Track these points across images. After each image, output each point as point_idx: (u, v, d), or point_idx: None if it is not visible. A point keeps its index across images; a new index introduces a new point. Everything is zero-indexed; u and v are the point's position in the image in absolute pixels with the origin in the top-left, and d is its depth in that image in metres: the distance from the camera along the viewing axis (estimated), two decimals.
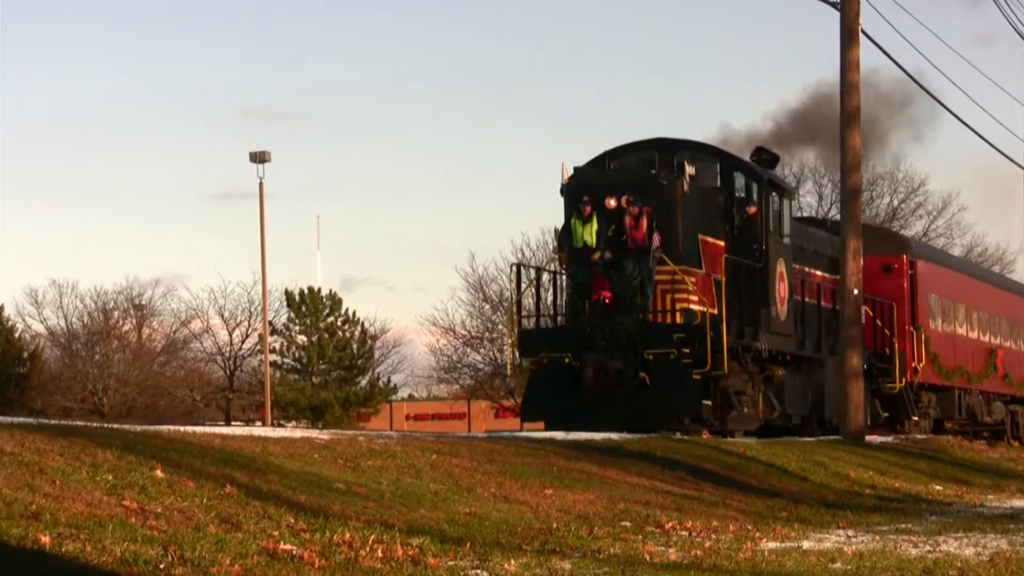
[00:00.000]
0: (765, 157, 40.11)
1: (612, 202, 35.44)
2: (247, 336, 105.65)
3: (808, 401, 43.66)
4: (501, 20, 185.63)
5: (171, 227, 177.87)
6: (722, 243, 38.18)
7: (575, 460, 27.78)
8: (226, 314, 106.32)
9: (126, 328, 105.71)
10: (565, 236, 36.46)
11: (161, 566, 13.81)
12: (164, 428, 22.31)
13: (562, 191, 36.82)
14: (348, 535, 16.63)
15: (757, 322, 38.40)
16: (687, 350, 34.94)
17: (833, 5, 44.19)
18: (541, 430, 35.52)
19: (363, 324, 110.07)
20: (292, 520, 17.26)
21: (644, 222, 35.10)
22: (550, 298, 39.87)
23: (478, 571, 15.52)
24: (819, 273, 46.09)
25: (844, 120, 44.44)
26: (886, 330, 48.95)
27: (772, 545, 20.64)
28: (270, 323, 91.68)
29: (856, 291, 44.84)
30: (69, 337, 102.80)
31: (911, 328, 50.77)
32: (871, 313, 47.99)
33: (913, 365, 50.64)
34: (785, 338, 40.67)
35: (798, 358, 42.52)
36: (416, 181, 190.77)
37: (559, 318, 38.34)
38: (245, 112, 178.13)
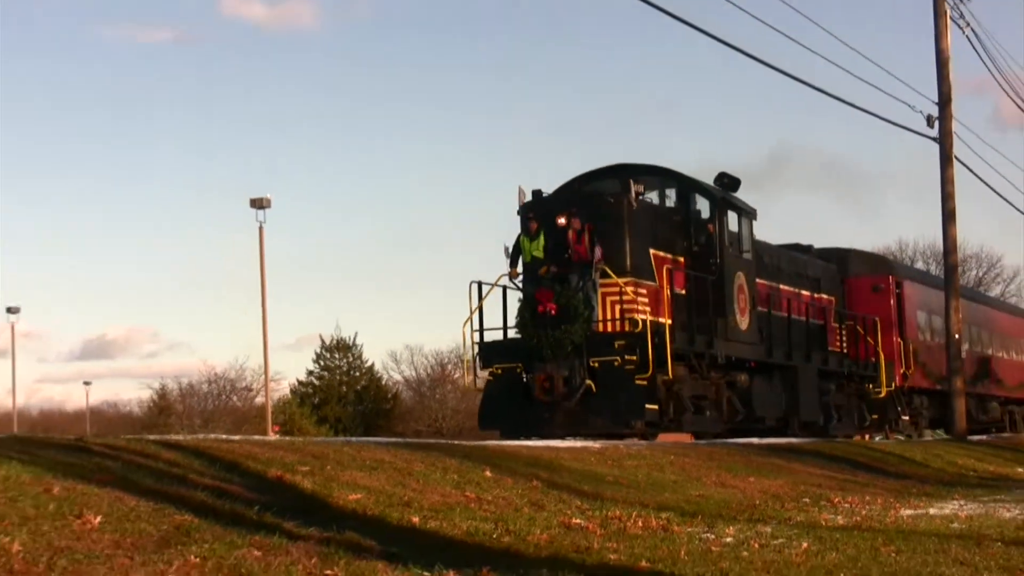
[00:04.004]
0: (726, 181, 33.34)
1: (562, 220, 29.00)
2: None
3: (782, 404, 35.89)
4: None
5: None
6: (680, 258, 31.40)
7: (768, 457, 27.53)
8: None
9: (457, 375, 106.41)
10: (515, 253, 30.11)
11: (494, 535, 13.84)
12: (488, 443, 22.41)
13: (518, 212, 30.52)
14: (618, 512, 16.58)
15: (712, 330, 31.17)
16: (632, 357, 28.34)
17: (933, 139, 43.79)
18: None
19: None
20: (579, 503, 17.27)
21: (586, 237, 28.98)
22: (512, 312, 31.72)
23: (708, 534, 15.39)
24: (804, 292, 38.24)
25: (945, 219, 43.93)
26: (870, 340, 41.76)
27: (908, 512, 20.37)
28: None
29: (957, 335, 43.74)
30: (418, 383, 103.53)
31: (898, 340, 44.01)
32: (860, 329, 41.88)
33: (902, 371, 44.25)
34: (746, 346, 33.16)
35: (767, 365, 34.85)
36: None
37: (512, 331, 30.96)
38: None
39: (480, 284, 30.34)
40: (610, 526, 15.44)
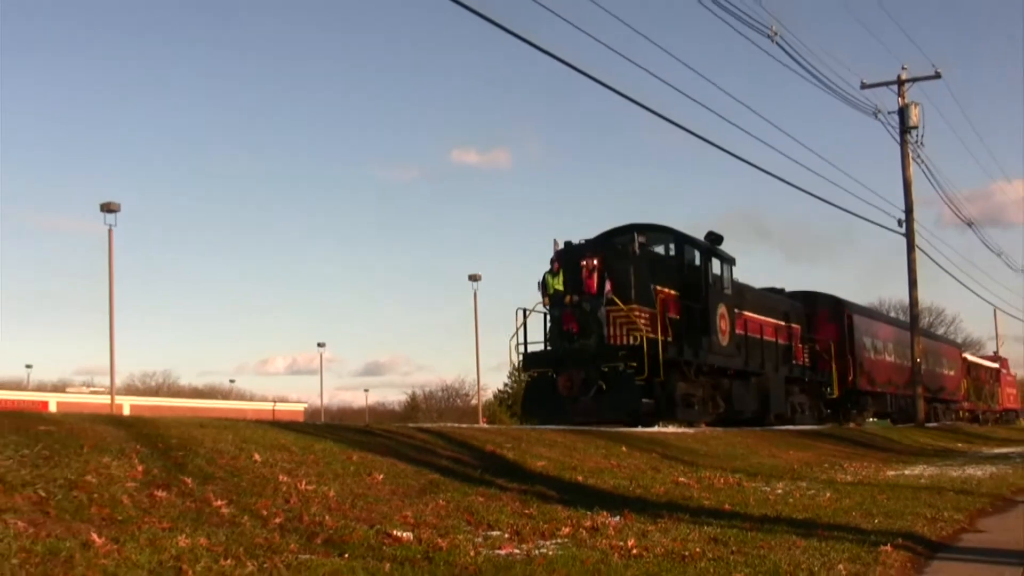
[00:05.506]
0: (713, 237, 29.69)
1: (583, 263, 25.98)
2: None
3: (756, 402, 31.63)
4: None
5: None
6: (675, 292, 27.70)
7: (799, 438, 26.92)
8: None
9: None
10: (543, 287, 26.75)
11: (629, 488, 13.62)
12: (622, 429, 22.06)
13: (551, 259, 27.01)
14: (707, 473, 16.26)
15: (698, 346, 27.69)
16: (633, 363, 25.33)
17: (902, 234, 42.99)
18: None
19: None
20: (682, 467, 16.93)
21: (596, 274, 25.97)
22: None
23: (766, 487, 15.04)
24: (776, 321, 33.87)
25: (910, 285, 43.00)
26: (826, 356, 37.85)
27: (892, 473, 19.83)
28: None
29: (919, 360, 42.89)
30: None
31: (849, 356, 39.73)
32: (819, 348, 38.01)
33: (851, 379, 39.89)
34: (727, 357, 29.34)
35: (744, 373, 30.72)
36: None
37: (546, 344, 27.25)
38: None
39: (524, 310, 27.30)
40: (703, 482, 15.17)
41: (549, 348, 26.80)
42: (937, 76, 44.43)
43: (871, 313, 47.57)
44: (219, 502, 8.76)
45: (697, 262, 28.65)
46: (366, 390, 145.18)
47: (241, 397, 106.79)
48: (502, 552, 8.36)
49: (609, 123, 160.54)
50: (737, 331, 30.10)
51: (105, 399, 62.03)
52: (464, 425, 19.86)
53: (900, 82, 43.77)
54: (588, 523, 10.10)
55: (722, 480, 15.58)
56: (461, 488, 11.44)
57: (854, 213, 40.13)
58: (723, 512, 11.79)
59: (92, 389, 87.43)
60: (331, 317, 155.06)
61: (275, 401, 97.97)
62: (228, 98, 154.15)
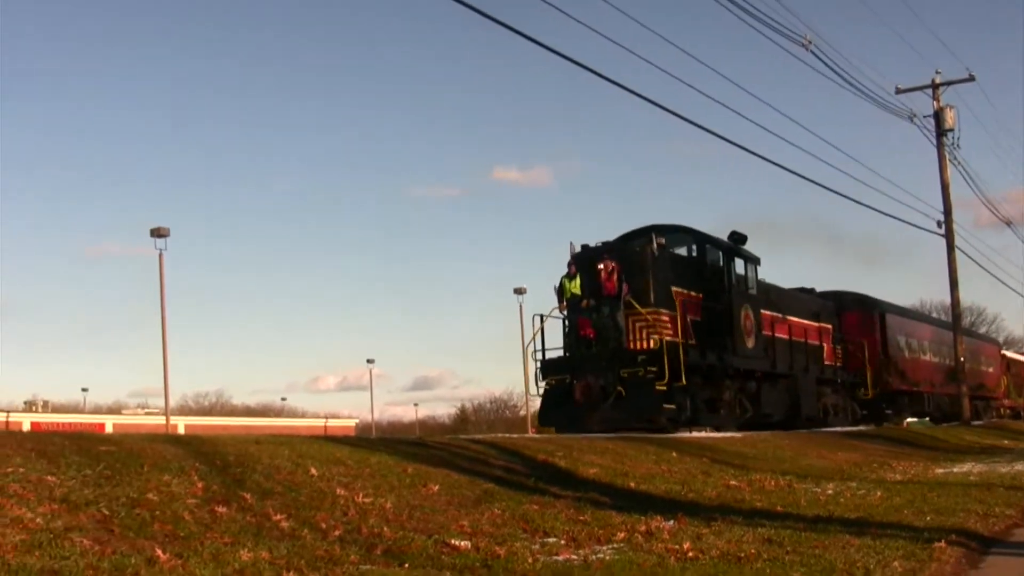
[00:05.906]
0: (736, 236, 27.91)
1: (600, 265, 24.47)
2: None
3: (786, 404, 29.88)
4: None
5: None
6: (697, 294, 26.04)
7: (845, 440, 26.65)
8: None
9: None
10: (560, 291, 25.31)
11: (682, 493, 13.53)
12: (671, 435, 21.88)
13: (568, 263, 25.37)
14: (757, 476, 16.11)
15: (722, 348, 26.20)
16: (652, 368, 23.59)
17: (941, 235, 42.64)
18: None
19: None
20: (732, 471, 16.76)
21: (615, 276, 24.32)
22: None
23: (816, 488, 14.90)
24: (805, 321, 32.12)
25: (951, 285, 42.63)
26: (859, 356, 36.07)
27: (940, 471, 19.64)
28: None
29: (962, 359, 42.34)
30: None
31: (882, 356, 37.94)
32: (851, 348, 36.13)
33: (885, 379, 38.02)
34: (753, 359, 27.57)
35: (772, 374, 28.96)
36: None
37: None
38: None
39: (541, 316, 25.79)
40: (754, 485, 15.03)
41: (567, 354, 25.47)
42: (971, 79, 43.95)
43: (905, 312, 46.49)
44: (278, 516, 8.75)
45: (720, 262, 27.31)
46: (416, 404, 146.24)
47: (293, 414, 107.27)
48: (560, 558, 8.30)
49: (647, 134, 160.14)
50: (764, 332, 28.74)
51: (159, 420, 62.42)
52: (515, 435, 19.81)
53: (934, 86, 43.34)
54: (643, 528, 10.02)
55: (772, 482, 15.43)
56: (515, 497, 11.39)
57: (895, 216, 40.01)
58: (775, 513, 11.68)
59: (147, 411, 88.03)
60: (380, 334, 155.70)
61: (327, 417, 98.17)
62: (272, 119, 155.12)
